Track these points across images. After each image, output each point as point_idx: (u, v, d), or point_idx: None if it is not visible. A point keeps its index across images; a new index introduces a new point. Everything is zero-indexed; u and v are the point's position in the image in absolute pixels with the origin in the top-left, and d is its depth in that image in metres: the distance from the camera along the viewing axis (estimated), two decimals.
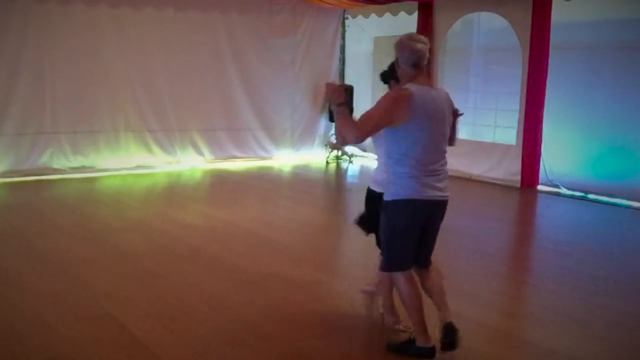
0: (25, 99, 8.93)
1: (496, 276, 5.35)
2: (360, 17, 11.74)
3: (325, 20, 11.65)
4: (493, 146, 9.41)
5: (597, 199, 8.28)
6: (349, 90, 10.77)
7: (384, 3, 10.62)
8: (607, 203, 8.13)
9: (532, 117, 8.77)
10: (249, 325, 4.05)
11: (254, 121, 11.07)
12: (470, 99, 9.87)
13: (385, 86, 3.91)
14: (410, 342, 3.66)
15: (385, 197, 3.54)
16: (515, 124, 9.04)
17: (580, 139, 8.62)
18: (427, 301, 3.68)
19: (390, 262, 3.61)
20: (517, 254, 6.39)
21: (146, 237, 6.14)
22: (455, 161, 9.08)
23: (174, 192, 8.97)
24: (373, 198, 3.80)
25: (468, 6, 9.64)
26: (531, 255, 6.33)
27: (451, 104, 3.62)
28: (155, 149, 10.11)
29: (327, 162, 11.52)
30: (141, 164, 9.92)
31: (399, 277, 3.63)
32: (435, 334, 3.62)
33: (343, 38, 12.19)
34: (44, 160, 9.19)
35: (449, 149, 3.76)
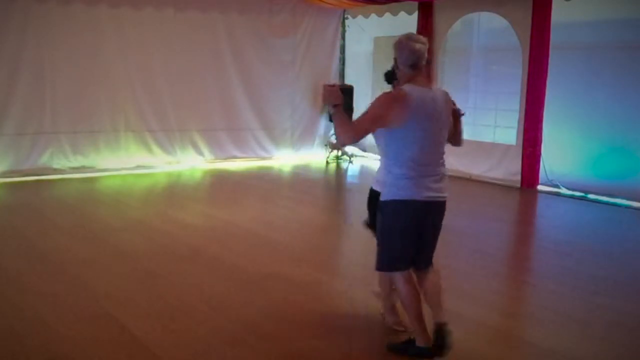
0: (25, 99, 8.93)
1: (496, 276, 5.35)
2: (360, 17, 11.74)
3: (325, 20, 11.65)
4: (493, 146, 9.41)
5: (597, 199, 8.28)
6: (348, 90, 10.77)
7: (384, 3, 10.62)
8: (607, 203, 8.13)
9: (532, 117, 8.77)
10: (249, 325, 4.05)
11: (254, 121, 11.07)
12: (470, 99, 9.87)
13: (389, 86, 3.91)
14: (410, 342, 3.66)
15: (382, 197, 3.56)
16: (515, 124, 9.04)
17: (580, 139, 8.62)
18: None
19: (386, 263, 3.62)
20: (517, 254, 6.39)
21: (146, 237, 6.14)
22: (455, 161, 9.10)
23: (174, 192, 8.97)
24: (375, 199, 3.81)
25: (468, 6, 9.64)
26: (531, 255, 6.33)
27: (451, 104, 3.61)
28: (155, 149, 10.11)
29: (327, 162, 11.52)
30: (141, 164, 9.92)
31: (398, 277, 3.63)
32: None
33: (343, 38, 12.19)
34: (44, 160, 9.19)
35: (450, 148, 3.76)
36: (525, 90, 8.82)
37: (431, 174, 3.47)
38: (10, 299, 4.47)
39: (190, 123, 10.39)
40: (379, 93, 3.59)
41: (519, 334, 4.19)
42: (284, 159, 11.34)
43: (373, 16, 11.29)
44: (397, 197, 3.47)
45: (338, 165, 11.39)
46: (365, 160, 11.66)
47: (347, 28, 12.13)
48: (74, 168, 9.38)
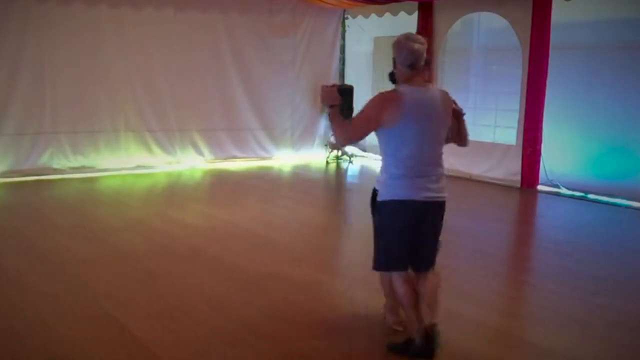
0: (25, 99, 8.93)
1: (496, 276, 5.35)
2: (360, 17, 11.74)
3: (325, 20, 11.65)
4: (493, 146, 9.41)
5: (597, 199, 8.27)
6: (349, 90, 10.76)
7: (384, 3, 10.62)
8: (607, 203, 8.13)
9: (532, 117, 8.77)
10: (249, 325, 4.05)
11: (254, 121, 11.06)
12: (470, 99, 9.86)
13: (392, 86, 3.91)
14: (410, 341, 3.66)
15: (379, 197, 3.57)
16: (515, 124, 9.04)
17: (580, 139, 8.62)
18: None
19: (383, 263, 3.62)
20: (517, 254, 6.39)
21: (146, 237, 6.14)
22: (455, 161, 9.11)
23: (174, 192, 8.97)
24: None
25: (468, 6, 9.64)
26: (531, 255, 6.33)
27: (451, 104, 3.60)
28: (155, 149, 10.11)
29: (327, 162, 11.52)
30: (141, 164, 9.92)
31: (396, 277, 3.65)
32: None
33: (343, 38, 12.19)
34: (44, 160, 9.19)
35: (450, 148, 3.76)
36: (525, 90, 8.82)
37: (428, 174, 3.46)
38: (10, 299, 4.47)
39: (190, 123, 10.39)
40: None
41: (519, 334, 4.19)
42: (284, 159, 11.34)
43: (373, 16, 11.29)
44: (393, 197, 3.47)
45: (338, 165, 11.39)
46: (365, 160, 11.66)
47: (347, 28, 12.12)
48: (74, 168, 9.38)
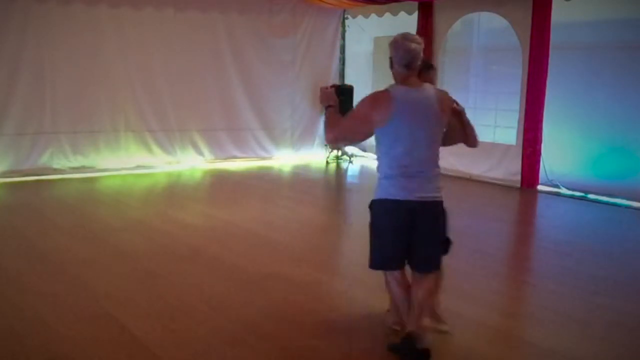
0: (25, 99, 8.92)
1: (496, 276, 5.35)
2: (360, 17, 11.74)
3: (325, 20, 11.65)
4: (493, 146, 9.41)
5: (597, 199, 8.28)
6: (348, 90, 10.78)
7: (384, 3, 10.62)
8: (607, 203, 8.13)
9: (532, 117, 8.77)
10: (249, 325, 4.05)
11: (254, 121, 11.06)
12: (470, 99, 9.86)
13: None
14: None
15: (373, 196, 3.58)
16: (515, 124, 9.04)
17: (580, 139, 8.62)
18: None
19: (377, 261, 3.62)
20: (517, 254, 6.39)
21: (146, 237, 6.14)
22: (455, 161, 9.11)
23: (174, 192, 8.97)
24: None
25: (468, 6, 9.64)
26: (531, 255, 6.33)
27: (449, 104, 3.54)
28: (155, 149, 10.11)
29: (327, 162, 11.52)
30: (141, 164, 9.92)
31: (389, 277, 3.68)
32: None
33: (343, 38, 12.19)
34: (44, 160, 9.19)
35: (450, 148, 3.75)
36: (525, 90, 8.82)
37: (422, 174, 3.44)
38: (10, 299, 4.47)
39: (190, 123, 10.39)
40: None
41: (519, 334, 4.19)
42: (284, 159, 11.34)
43: (373, 16, 11.29)
44: (386, 197, 3.48)
45: (338, 165, 11.40)
46: (365, 160, 11.66)
47: (347, 28, 12.12)
48: (74, 168, 9.37)
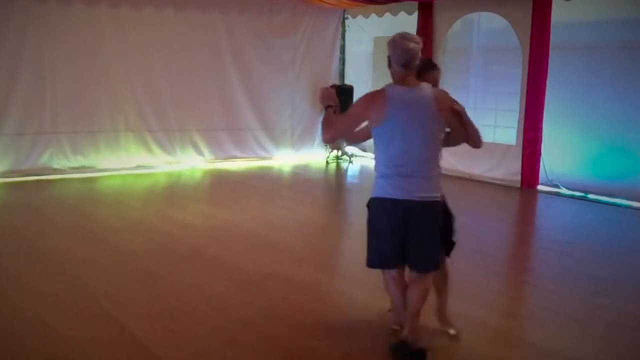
0: (25, 99, 8.92)
1: (496, 276, 5.35)
2: (360, 17, 11.74)
3: (325, 20, 11.65)
4: (493, 146, 9.40)
5: (597, 199, 8.27)
6: (348, 90, 10.77)
7: (384, 3, 10.62)
8: (607, 203, 8.13)
9: (532, 117, 8.77)
10: (249, 325, 4.05)
11: (254, 121, 11.06)
12: (470, 99, 9.86)
13: None
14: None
15: (371, 195, 3.61)
16: (515, 124, 9.04)
17: (580, 139, 8.62)
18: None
19: (374, 260, 3.62)
20: (517, 254, 6.39)
21: (146, 237, 6.14)
22: (455, 161, 9.10)
23: (174, 192, 8.97)
24: None
25: (468, 6, 9.64)
26: (531, 255, 6.33)
27: (448, 104, 3.50)
28: (155, 149, 10.10)
29: (327, 162, 11.52)
30: (141, 164, 9.92)
31: (386, 276, 3.70)
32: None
33: (343, 38, 12.19)
34: (44, 160, 9.19)
35: (451, 148, 3.74)
36: (525, 90, 8.82)
37: (418, 173, 3.42)
38: (10, 299, 4.47)
39: (190, 123, 10.39)
40: None
41: (519, 334, 4.19)
42: (284, 159, 11.34)
43: (373, 16, 11.29)
44: (383, 195, 3.49)
45: (338, 165, 11.40)
46: (365, 160, 11.66)
47: (347, 28, 12.13)
48: (74, 168, 9.37)
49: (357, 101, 3.56)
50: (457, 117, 3.57)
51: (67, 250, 5.63)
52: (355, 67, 12.20)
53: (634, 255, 6.07)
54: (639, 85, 8.07)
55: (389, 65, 3.49)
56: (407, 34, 3.48)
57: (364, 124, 3.57)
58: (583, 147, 8.57)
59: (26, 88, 8.92)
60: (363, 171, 10.85)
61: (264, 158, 11.17)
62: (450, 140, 3.69)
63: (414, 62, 3.42)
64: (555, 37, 8.50)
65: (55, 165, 9.24)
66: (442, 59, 10.18)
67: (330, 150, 11.64)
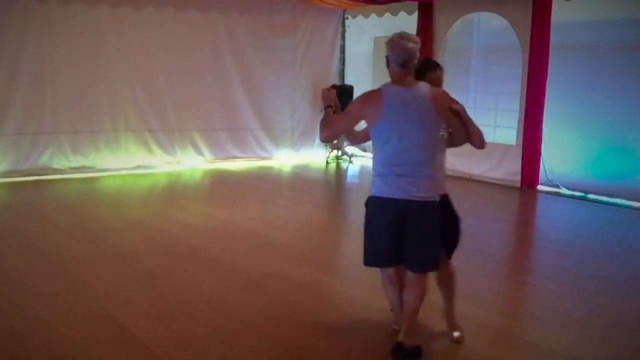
0: (25, 99, 8.93)
1: (496, 276, 5.35)
2: (360, 17, 11.74)
3: (325, 20, 11.65)
4: (493, 146, 9.38)
5: (597, 199, 8.27)
6: (348, 90, 10.77)
7: (384, 3, 10.62)
8: (607, 203, 8.13)
9: (532, 117, 8.77)
10: (249, 325, 4.05)
11: (254, 121, 11.06)
12: (470, 99, 9.86)
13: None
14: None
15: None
16: (515, 124, 9.04)
17: (580, 139, 8.62)
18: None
19: (369, 259, 3.63)
20: (517, 254, 6.39)
21: (146, 237, 6.14)
22: (455, 161, 9.08)
23: (174, 192, 8.97)
24: None
25: (468, 6, 9.64)
26: (531, 255, 6.33)
27: (446, 104, 3.47)
28: (155, 149, 10.11)
29: (327, 162, 11.52)
30: (141, 164, 9.92)
31: (383, 275, 3.72)
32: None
33: (343, 38, 12.19)
34: (44, 160, 9.19)
35: (452, 148, 3.74)
36: (525, 90, 8.82)
37: (411, 173, 3.41)
38: (10, 299, 4.47)
39: (190, 123, 10.39)
40: None
41: (519, 334, 4.19)
42: (284, 159, 11.34)
43: (373, 16, 11.29)
44: (380, 194, 3.49)
45: (338, 165, 11.40)
46: (365, 160, 11.65)
47: (347, 28, 12.13)
48: (74, 168, 9.37)
49: (354, 100, 3.59)
50: (457, 116, 3.55)
51: (67, 250, 5.63)
52: (355, 67, 12.20)
53: (634, 255, 6.07)
54: (639, 85, 8.07)
55: (388, 65, 3.49)
56: (406, 33, 3.48)
57: (364, 124, 3.58)
58: (583, 147, 8.57)
59: (26, 88, 8.92)
60: (363, 171, 10.85)
61: (264, 158, 11.17)
62: (454, 141, 3.68)
63: (412, 62, 3.42)
64: (555, 37, 8.50)
65: (55, 165, 9.25)
66: (442, 59, 10.16)
67: (330, 150, 11.64)
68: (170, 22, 9.96)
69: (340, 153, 11.65)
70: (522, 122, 8.89)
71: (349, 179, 10.79)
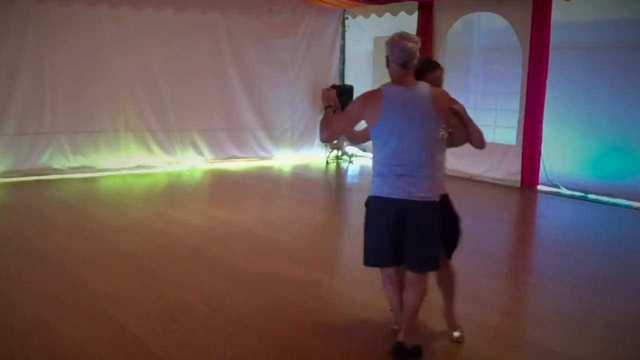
0: (25, 99, 8.92)
1: (496, 276, 5.35)
2: (360, 17, 11.74)
3: (325, 20, 11.65)
4: (493, 146, 9.38)
5: (597, 199, 8.27)
6: (348, 90, 10.77)
7: (384, 3, 10.62)
8: (607, 203, 8.13)
9: (532, 117, 8.77)
10: (249, 325, 4.05)
11: (254, 121, 11.06)
12: (470, 99, 9.86)
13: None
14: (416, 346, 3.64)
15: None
16: (515, 124, 9.04)
17: (580, 139, 8.62)
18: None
19: (368, 258, 3.63)
20: (517, 254, 6.39)
21: (146, 237, 6.14)
22: (455, 161, 9.08)
23: (174, 192, 8.97)
24: None
25: (468, 6, 9.64)
26: (531, 255, 6.33)
27: (445, 104, 3.47)
28: (155, 149, 10.10)
29: (327, 162, 11.52)
30: (141, 164, 9.92)
31: (383, 275, 3.72)
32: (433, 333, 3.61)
33: (343, 38, 12.19)
34: (44, 160, 9.19)
35: (452, 148, 3.74)
36: (525, 90, 8.82)
37: (411, 173, 3.41)
38: (10, 299, 4.47)
39: (190, 123, 10.39)
40: None
41: (519, 334, 4.19)
42: (284, 159, 11.34)
43: (373, 16, 11.29)
44: (380, 194, 3.50)
45: (338, 165, 11.40)
46: (365, 160, 11.65)
47: (347, 28, 12.13)
48: (74, 168, 9.37)
49: (354, 100, 3.60)
50: (457, 116, 3.55)
51: (67, 250, 5.63)
52: (355, 67, 12.20)
53: (634, 255, 6.07)
54: (639, 85, 8.07)
55: (388, 65, 3.49)
56: (406, 33, 3.48)
57: (364, 124, 3.58)
58: (583, 147, 8.57)
59: (26, 88, 8.92)
60: (363, 171, 10.85)
61: (264, 158, 11.17)
62: (454, 140, 3.68)
63: (412, 62, 3.42)
64: (555, 37, 8.50)
65: (55, 165, 9.24)
66: (442, 59, 10.16)
67: (330, 150, 11.64)
68: (170, 22, 9.96)
69: (340, 153, 11.65)
70: (522, 122, 8.89)
71: (349, 179, 10.79)
